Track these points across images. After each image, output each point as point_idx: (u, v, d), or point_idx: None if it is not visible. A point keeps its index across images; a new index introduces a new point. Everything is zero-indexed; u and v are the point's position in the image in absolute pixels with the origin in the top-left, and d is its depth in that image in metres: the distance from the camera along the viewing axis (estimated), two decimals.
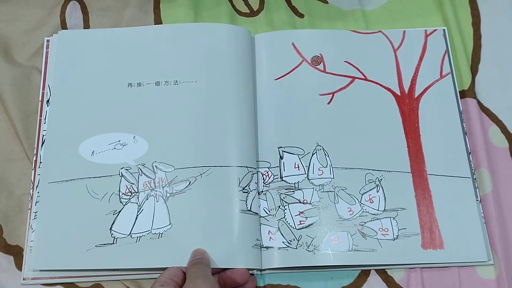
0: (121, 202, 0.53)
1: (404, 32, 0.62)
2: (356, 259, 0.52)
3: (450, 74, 0.60)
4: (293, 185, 0.55)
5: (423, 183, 0.55)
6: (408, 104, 0.59)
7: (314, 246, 0.52)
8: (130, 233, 0.52)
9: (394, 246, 0.53)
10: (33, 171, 0.56)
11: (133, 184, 0.54)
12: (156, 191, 0.54)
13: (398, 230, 0.53)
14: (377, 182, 0.55)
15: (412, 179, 0.55)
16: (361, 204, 0.54)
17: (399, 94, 0.59)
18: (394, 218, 0.54)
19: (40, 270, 0.52)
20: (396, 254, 0.52)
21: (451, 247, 0.53)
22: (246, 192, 0.53)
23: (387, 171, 0.56)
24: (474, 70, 0.62)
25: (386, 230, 0.53)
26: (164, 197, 0.53)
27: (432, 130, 0.58)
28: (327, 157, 0.56)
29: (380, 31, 0.62)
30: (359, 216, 0.54)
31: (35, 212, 0.53)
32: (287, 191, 0.55)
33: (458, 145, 0.57)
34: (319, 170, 0.55)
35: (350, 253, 0.52)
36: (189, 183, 0.54)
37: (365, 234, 0.53)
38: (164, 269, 0.50)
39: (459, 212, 0.54)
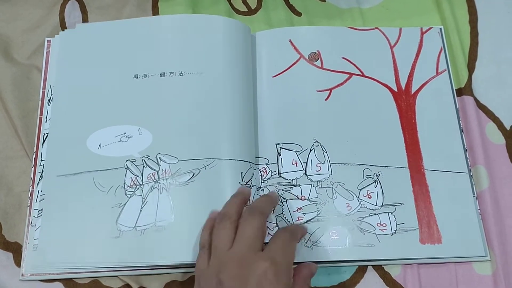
0: (126, 194, 0.53)
1: (400, 29, 0.63)
2: (354, 254, 0.52)
3: (446, 71, 0.60)
4: (291, 181, 0.55)
5: (421, 178, 0.55)
6: (405, 100, 0.59)
7: (312, 241, 0.52)
8: (135, 226, 0.52)
9: (392, 241, 0.53)
10: (32, 168, 0.56)
11: (138, 176, 0.54)
12: (160, 183, 0.54)
13: (396, 225, 0.53)
14: (375, 178, 0.55)
15: (410, 174, 0.56)
16: (359, 200, 0.54)
17: (396, 90, 0.59)
18: (392, 213, 0.54)
19: (48, 264, 0.51)
20: (394, 249, 0.52)
21: (448, 242, 0.53)
22: (249, 187, 0.53)
23: (384, 166, 0.56)
24: (471, 67, 0.62)
25: (384, 225, 0.53)
26: (168, 189, 0.53)
27: (429, 126, 0.58)
28: (325, 153, 0.56)
29: (376, 28, 0.62)
30: (357, 211, 0.54)
31: (40, 210, 0.53)
32: (285, 187, 0.55)
33: (455, 141, 0.57)
34: (317, 166, 0.56)
35: (349, 248, 0.52)
36: (193, 175, 0.53)
37: (364, 229, 0.53)
38: (166, 264, 0.51)
39: (456, 207, 0.54)
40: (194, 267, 0.48)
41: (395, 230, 0.53)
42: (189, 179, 0.53)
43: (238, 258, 0.44)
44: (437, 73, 0.60)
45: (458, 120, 0.58)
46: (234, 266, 0.43)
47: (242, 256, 0.44)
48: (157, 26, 0.60)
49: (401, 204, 0.54)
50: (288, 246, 0.46)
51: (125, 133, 0.56)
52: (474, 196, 0.55)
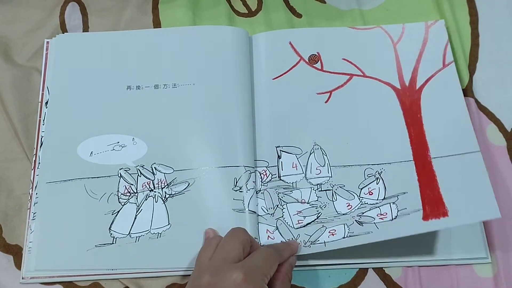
0: (119, 202, 0.54)
1: (403, 26, 0.62)
2: (350, 242, 0.51)
3: (454, 63, 0.60)
4: (291, 184, 0.55)
5: (427, 167, 0.54)
6: (409, 96, 0.58)
7: (311, 242, 0.52)
8: (129, 233, 0.52)
9: (392, 224, 0.51)
10: (32, 171, 0.56)
11: (132, 184, 0.54)
12: (155, 191, 0.54)
13: (398, 211, 0.52)
14: (377, 175, 0.55)
15: (415, 165, 0.54)
16: (360, 198, 0.54)
17: (399, 88, 0.59)
18: (394, 202, 0.53)
19: (41, 270, 0.52)
20: (394, 231, 0.51)
21: (456, 212, 0.51)
22: (244, 192, 0.54)
23: (387, 163, 0.55)
24: (472, 69, 0.62)
25: (384, 214, 0.52)
26: (163, 198, 0.54)
27: (436, 117, 0.57)
28: (325, 156, 0.56)
29: (379, 26, 0.62)
30: (358, 208, 0.53)
31: (34, 213, 0.54)
32: (285, 190, 0.55)
33: (464, 123, 0.56)
34: (316, 169, 0.55)
35: (345, 239, 0.51)
36: (188, 185, 0.54)
37: (362, 222, 0.52)
38: (163, 269, 0.51)
39: (467, 182, 0.52)
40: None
41: (396, 216, 0.52)
42: (184, 189, 0.54)
43: (214, 268, 0.45)
44: (444, 65, 0.60)
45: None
46: (208, 274, 0.44)
47: (217, 266, 0.45)
48: (152, 39, 0.61)
49: (405, 193, 0.53)
50: (268, 260, 0.46)
51: (118, 142, 0.56)
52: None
